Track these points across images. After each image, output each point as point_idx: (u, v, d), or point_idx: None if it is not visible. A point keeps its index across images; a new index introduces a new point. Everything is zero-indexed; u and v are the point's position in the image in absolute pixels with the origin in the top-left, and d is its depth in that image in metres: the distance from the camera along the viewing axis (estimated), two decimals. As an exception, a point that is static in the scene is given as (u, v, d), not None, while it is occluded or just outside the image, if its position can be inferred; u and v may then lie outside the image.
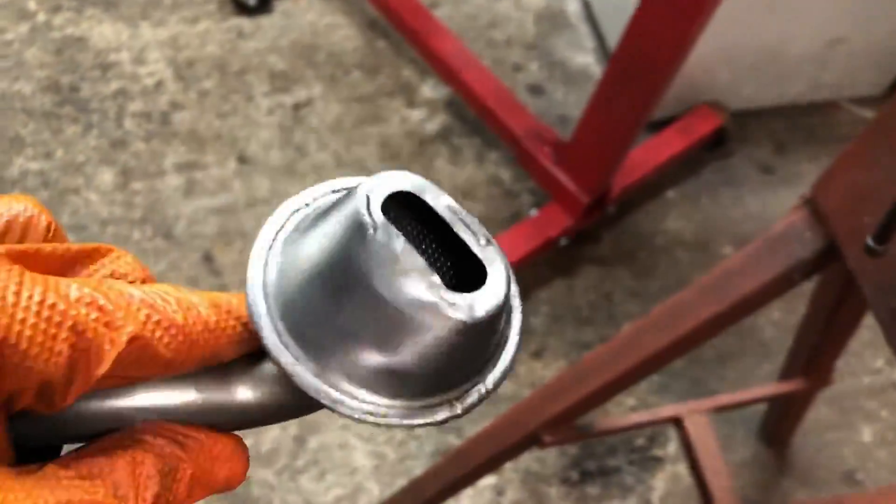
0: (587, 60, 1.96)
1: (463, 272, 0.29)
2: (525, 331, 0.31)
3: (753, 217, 1.81)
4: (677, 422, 1.13)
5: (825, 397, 1.48)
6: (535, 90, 1.91)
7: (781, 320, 1.67)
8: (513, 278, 0.29)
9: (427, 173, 1.74)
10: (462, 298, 0.27)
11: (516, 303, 0.31)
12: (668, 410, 1.13)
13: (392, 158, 1.77)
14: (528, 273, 1.66)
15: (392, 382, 0.28)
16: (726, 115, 1.82)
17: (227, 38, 1.86)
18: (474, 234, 0.28)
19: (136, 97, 1.77)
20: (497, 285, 0.27)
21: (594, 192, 1.55)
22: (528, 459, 1.49)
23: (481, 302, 0.27)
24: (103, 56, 1.81)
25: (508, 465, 1.45)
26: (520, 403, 1.09)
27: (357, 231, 0.26)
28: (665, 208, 1.80)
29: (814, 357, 1.10)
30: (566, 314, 1.65)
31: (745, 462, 1.55)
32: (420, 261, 0.26)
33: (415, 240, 0.29)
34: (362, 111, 1.82)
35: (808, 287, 0.98)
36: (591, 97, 1.46)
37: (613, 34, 1.90)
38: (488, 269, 0.28)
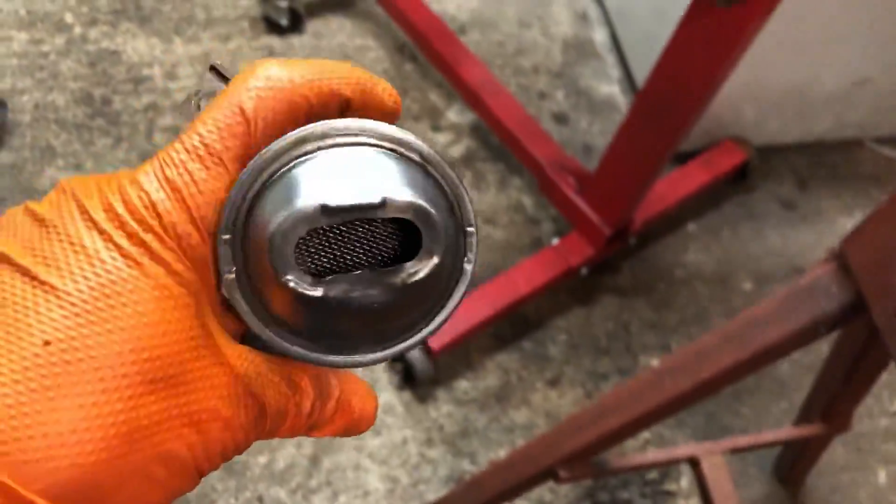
0: (612, 90, 1.97)
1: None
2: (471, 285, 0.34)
3: (774, 253, 1.81)
4: (693, 461, 1.13)
5: (841, 438, 1.48)
6: (560, 118, 1.92)
7: (798, 358, 1.66)
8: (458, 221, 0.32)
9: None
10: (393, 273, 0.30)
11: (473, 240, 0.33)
12: (684, 450, 1.14)
13: (416, 181, 1.78)
14: (547, 301, 1.67)
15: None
16: (750, 150, 1.83)
17: (258, 57, 1.89)
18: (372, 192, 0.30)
19: (167, 112, 1.79)
20: (421, 257, 0.30)
21: (616, 223, 1.56)
22: (541, 489, 1.50)
23: (408, 271, 0.30)
24: (136, 70, 1.84)
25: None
26: (537, 438, 1.10)
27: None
28: (686, 241, 1.80)
29: (833, 403, 1.10)
30: (584, 343, 1.65)
31: (758, 500, 1.54)
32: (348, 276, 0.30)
33: (346, 238, 0.31)
34: (388, 133, 1.83)
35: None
36: (618, 130, 1.47)
37: (640, 65, 1.92)
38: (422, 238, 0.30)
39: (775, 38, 1.58)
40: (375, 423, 1.46)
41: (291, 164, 0.30)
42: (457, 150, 1.83)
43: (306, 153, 0.30)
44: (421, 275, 0.30)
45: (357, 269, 0.30)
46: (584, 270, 1.64)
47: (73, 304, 0.27)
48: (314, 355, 0.31)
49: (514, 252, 1.72)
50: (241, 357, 0.31)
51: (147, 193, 0.29)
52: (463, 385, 1.58)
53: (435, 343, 1.49)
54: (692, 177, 1.76)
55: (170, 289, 0.28)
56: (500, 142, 1.79)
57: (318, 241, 0.30)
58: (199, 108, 0.33)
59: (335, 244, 0.30)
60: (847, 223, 1.86)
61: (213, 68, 0.34)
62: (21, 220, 0.29)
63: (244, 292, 0.30)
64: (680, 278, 1.76)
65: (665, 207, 1.70)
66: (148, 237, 0.28)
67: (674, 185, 1.73)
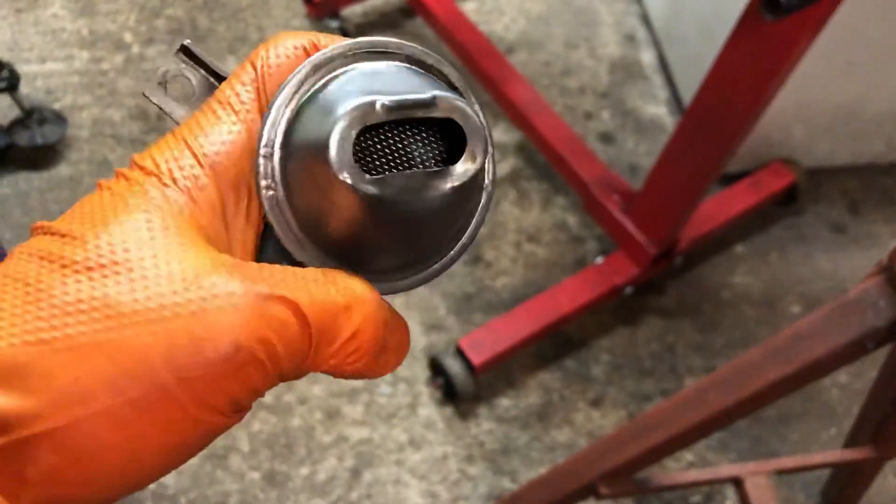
0: (659, 111, 1.97)
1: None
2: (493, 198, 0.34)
3: (823, 276, 1.78)
4: (738, 482, 1.11)
5: (893, 464, 1.44)
6: (606, 138, 1.92)
7: (848, 383, 1.63)
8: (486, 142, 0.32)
9: (494, 215, 1.77)
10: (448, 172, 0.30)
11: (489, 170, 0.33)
12: (728, 469, 1.12)
13: (461, 199, 1.80)
14: (590, 320, 1.66)
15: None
16: (799, 171, 1.80)
17: (307, 76, 1.93)
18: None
19: (219, 128, 1.83)
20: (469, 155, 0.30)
21: (662, 243, 1.55)
22: (581, 509, 1.48)
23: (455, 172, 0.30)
24: (190, 88, 1.89)
25: (562, 514, 1.44)
26: (578, 454, 1.09)
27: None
28: (733, 263, 1.78)
29: (883, 425, 1.07)
30: (627, 364, 1.64)
31: (805, 528, 1.51)
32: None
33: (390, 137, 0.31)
34: (434, 151, 1.85)
35: (879, 351, 0.96)
36: (664, 149, 1.46)
37: (687, 86, 1.91)
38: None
39: (826, 57, 1.57)
40: (416, 437, 1.46)
41: (331, 77, 0.31)
42: (502, 169, 1.84)
43: (342, 66, 0.31)
44: (467, 178, 0.30)
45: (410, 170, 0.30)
46: (628, 290, 1.63)
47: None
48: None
49: (558, 271, 1.72)
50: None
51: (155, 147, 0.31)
52: (504, 403, 1.58)
53: (476, 359, 1.49)
54: (740, 198, 1.74)
55: (121, 193, 0.29)
56: (545, 161, 1.79)
57: (371, 142, 0.30)
58: (165, 90, 0.34)
59: (388, 146, 0.30)
60: (900, 247, 1.82)
61: (183, 48, 0.34)
62: None
63: (282, 209, 0.31)
64: (727, 300, 1.73)
65: (712, 228, 1.69)
66: (127, 169, 0.30)
67: (721, 206, 1.72)
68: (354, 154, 0.29)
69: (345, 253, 0.31)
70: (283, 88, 0.31)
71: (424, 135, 0.31)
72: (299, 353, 0.28)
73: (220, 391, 0.26)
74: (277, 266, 0.29)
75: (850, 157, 1.90)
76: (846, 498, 1.41)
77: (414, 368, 1.59)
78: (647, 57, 2.05)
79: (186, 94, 0.34)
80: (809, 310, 1.73)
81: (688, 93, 1.91)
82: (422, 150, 0.31)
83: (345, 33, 1.95)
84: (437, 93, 0.29)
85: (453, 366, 1.50)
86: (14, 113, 1.72)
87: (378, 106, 0.29)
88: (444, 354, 1.52)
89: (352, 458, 1.49)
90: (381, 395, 1.56)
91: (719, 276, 1.76)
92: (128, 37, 1.96)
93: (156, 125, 1.83)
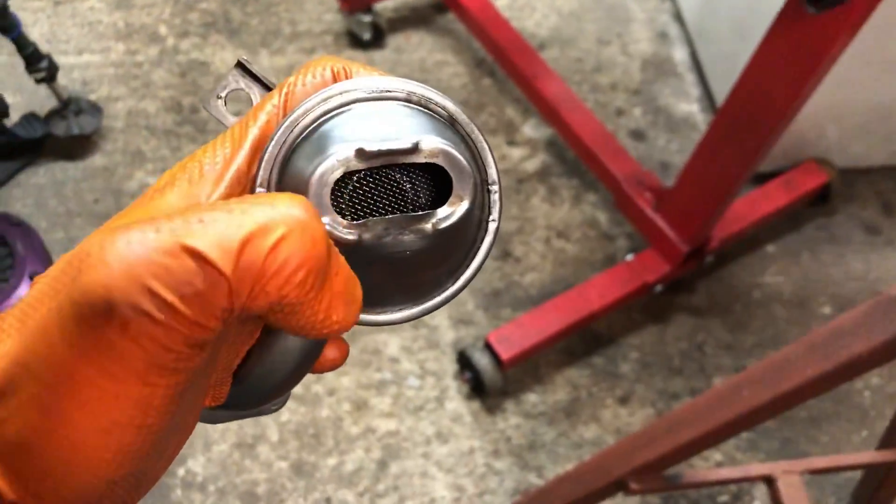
0: (691, 109, 1.96)
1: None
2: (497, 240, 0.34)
3: (856, 278, 1.76)
4: (769, 481, 1.10)
5: (925, 471, 1.42)
6: (638, 135, 1.91)
7: (881, 386, 1.61)
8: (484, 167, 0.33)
9: (523, 211, 1.76)
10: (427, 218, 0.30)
11: (495, 196, 0.33)
12: (760, 468, 1.11)
13: (490, 194, 1.79)
14: (619, 317, 1.66)
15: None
16: (833, 171, 1.79)
17: (339, 70, 1.93)
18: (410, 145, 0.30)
19: (251, 121, 1.85)
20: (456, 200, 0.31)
21: (694, 241, 1.54)
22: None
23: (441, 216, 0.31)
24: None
25: (588, 510, 1.43)
26: (607, 449, 1.09)
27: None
28: (764, 262, 1.77)
29: (919, 427, 1.06)
30: (656, 362, 1.63)
31: (835, 531, 1.50)
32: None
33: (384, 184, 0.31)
34: (464, 146, 1.85)
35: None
36: (697, 146, 1.45)
37: (720, 84, 1.90)
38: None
39: (862, 56, 1.55)
40: (443, 430, 1.45)
41: (325, 118, 0.31)
42: (532, 165, 1.84)
43: (338, 107, 0.31)
44: (451, 220, 0.30)
45: (390, 215, 0.31)
46: (658, 288, 1.62)
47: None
48: None
49: (587, 267, 1.72)
50: None
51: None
52: (532, 398, 1.58)
53: (505, 354, 1.49)
54: (772, 197, 1.73)
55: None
56: (575, 157, 1.79)
57: (353, 187, 0.31)
58: (225, 103, 0.34)
59: (369, 190, 0.31)
60: (935, 250, 1.80)
61: (239, 64, 0.35)
62: None
63: None
64: (757, 300, 1.72)
65: (743, 227, 1.67)
66: None
67: (753, 205, 1.70)
68: (338, 200, 0.30)
69: None
70: (282, 125, 0.31)
71: (414, 177, 0.31)
72: (210, 293, 0.24)
73: (120, 355, 0.24)
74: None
75: (884, 157, 1.88)
76: (877, 502, 1.40)
77: (442, 362, 1.59)
78: (680, 54, 2.04)
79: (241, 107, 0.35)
80: (841, 311, 1.71)
81: (720, 90, 1.90)
82: (410, 193, 0.31)
83: (377, 28, 1.95)
84: (420, 138, 0.30)
85: (481, 360, 1.50)
86: (51, 103, 1.75)
87: (356, 154, 0.29)
88: (473, 349, 1.52)
89: (379, 449, 1.50)
90: (409, 388, 1.56)
91: (750, 276, 1.75)
92: (163, 29, 1.98)
93: (189, 117, 1.85)
